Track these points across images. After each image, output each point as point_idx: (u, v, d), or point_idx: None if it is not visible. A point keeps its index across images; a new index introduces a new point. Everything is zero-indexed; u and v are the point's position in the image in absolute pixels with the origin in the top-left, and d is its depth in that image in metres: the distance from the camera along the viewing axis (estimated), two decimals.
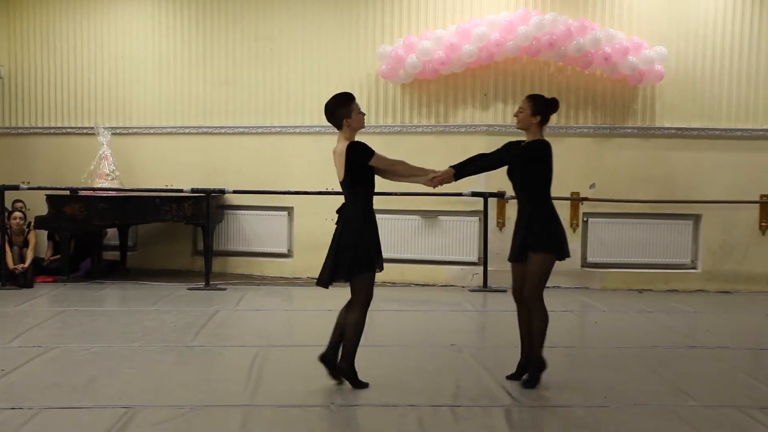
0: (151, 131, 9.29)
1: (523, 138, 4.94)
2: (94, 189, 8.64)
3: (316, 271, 9.00)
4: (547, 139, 4.87)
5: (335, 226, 4.66)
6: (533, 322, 4.77)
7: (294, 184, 8.68)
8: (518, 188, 4.89)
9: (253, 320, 6.81)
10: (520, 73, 8.53)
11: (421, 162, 9.21)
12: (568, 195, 8.53)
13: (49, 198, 8.44)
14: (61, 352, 5.45)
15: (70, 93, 9.47)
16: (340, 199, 4.68)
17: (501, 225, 8.56)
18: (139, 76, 9.29)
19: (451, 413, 4.27)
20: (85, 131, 9.27)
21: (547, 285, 8.88)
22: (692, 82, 8.52)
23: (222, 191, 8.65)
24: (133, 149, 9.22)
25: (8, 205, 8.54)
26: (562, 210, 8.53)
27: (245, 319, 6.82)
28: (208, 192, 8.39)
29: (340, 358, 4.65)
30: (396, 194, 8.01)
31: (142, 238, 9.50)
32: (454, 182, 4.88)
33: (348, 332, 4.60)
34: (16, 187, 8.38)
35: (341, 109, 4.59)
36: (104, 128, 8.96)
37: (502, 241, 8.52)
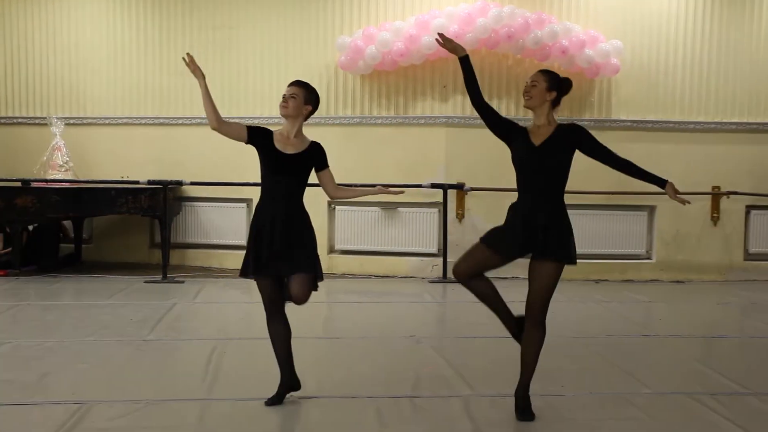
0: (106, 121, 9.11)
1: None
2: (46, 180, 8.44)
3: None
4: None
5: None
6: (535, 344, 4.21)
7: (253, 176, 8.48)
8: (544, 176, 4.05)
9: (212, 313, 6.74)
10: (479, 65, 8.52)
11: (380, 154, 9.27)
12: None
13: None
14: (11, 348, 5.32)
15: (21, 82, 9.22)
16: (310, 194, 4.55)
17: (460, 217, 8.61)
18: (94, 65, 9.09)
19: (410, 404, 4.29)
20: (37, 121, 9.04)
21: (505, 276, 8.98)
22: (647, 76, 8.66)
23: (179, 183, 8.53)
24: (88, 140, 9.02)
25: None
26: None
27: (203, 312, 6.75)
28: (165, 183, 8.26)
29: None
30: (355, 186, 7.98)
31: (97, 230, 9.32)
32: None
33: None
34: None
35: None
36: (57, 118, 8.75)
37: (461, 233, 8.59)
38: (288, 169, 4.21)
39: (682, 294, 8.01)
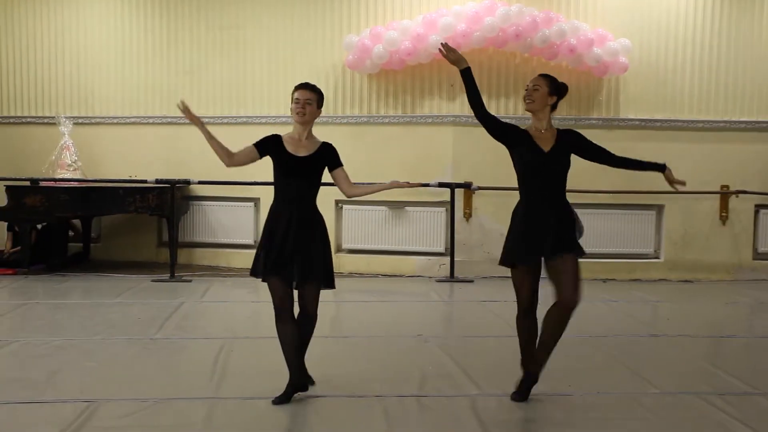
0: (114, 121, 9.14)
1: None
2: (55, 180, 8.48)
3: None
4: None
5: None
6: (561, 328, 4.27)
7: (260, 175, 8.56)
8: (552, 182, 4.23)
9: (219, 312, 6.75)
10: (487, 64, 8.55)
11: (387, 153, 9.26)
12: None
13: (8, 189, 8.26)
14: (20, 347, 5.34)
15: (30, 82, 9.26)
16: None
17: (468, 216, 8.60)
18: (102, 65, 9.12)
19: (416, 403, 4.29)
20: (46, 121, 9.08)
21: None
22: (655, 74, 8.63)
23: (187, 182, 8.55)
24: (96, 139, 9.06)
25: None
26: None
27: (210, 311, 6.76)
28: (172, 183, 8.28)
29: None
30: (363, 185, 7.97)
31: (105, 229, 9.36)
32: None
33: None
34: None
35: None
36: (66, 118, 8.79)
37: (468, 232, 8.58)
38: (300, 171, 4.28)
39: (690, 293, 7.98)
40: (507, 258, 4.33)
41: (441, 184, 8.38)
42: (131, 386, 4.49)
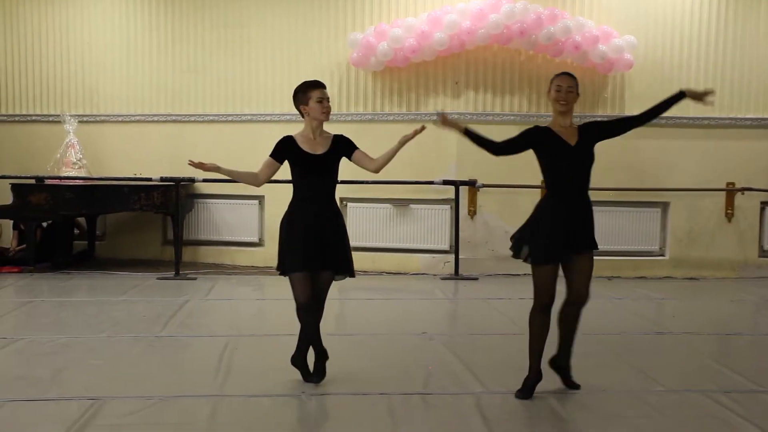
0: (119, 119, 9.16)
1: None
2: (60, 178, 8.50)
3: None
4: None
5: None
6: (577, 324, 4.46)
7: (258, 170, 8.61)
8: (581, 177, 4.30)
9: (224, 310, 6.76)
10: (491, 61, 8.54)
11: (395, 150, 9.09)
12: (538, 183, 8.56)
13: (14, 187, 8.28)
14: (26, 344, 5.36)
15: (35, 80, 9.28)
16: None
17: (472, 213, 8.59)
18: (106, 64, 9.14)
19: (422, 401, 4.29)
20: (51, 119, 9.10)
21: (517, 273, 8.97)
22: (660, 71, 8.60)
23: (192, 180, 8.55)
24: (101, 137, 9.07)
25: None
26: (533, 198, 8.62)
27: (215, 309, 6.77)
28: (177, 181, 8.29)
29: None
30: (367, 182, 7.99)
31: (110, 227, 9.38)
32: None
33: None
34: None
35: (299, 95, 4.44)
36: (70, 116, 8.81)
37: (473, 230, 8.57)
38: (320, 169, 4.40)
39: (695, 291, 7.95)
40: (539, 256, 4.31)
41: (445, 182, 8.37)
42: (136, 384, 4.50)
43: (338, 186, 9.18)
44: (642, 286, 8.10)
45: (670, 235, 8.75)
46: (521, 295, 7.47)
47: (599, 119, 4.49)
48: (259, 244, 9.02)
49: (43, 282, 7.83)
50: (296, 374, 4.68)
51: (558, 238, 4.26)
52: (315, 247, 4.33)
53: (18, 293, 7.31)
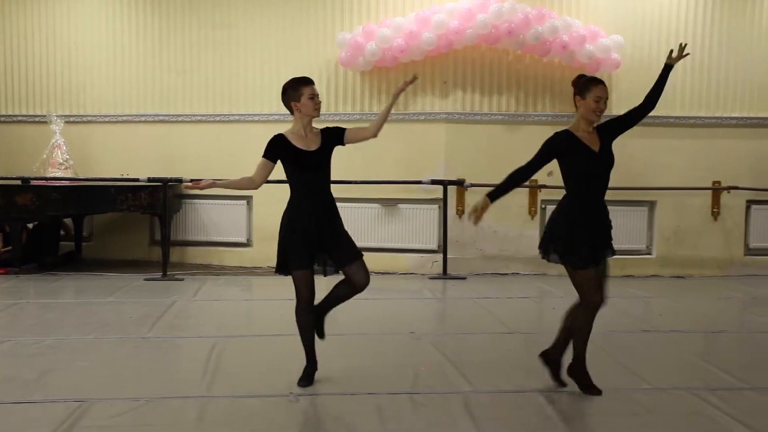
0: (106, 119, 9.11)
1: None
2: (46, 178, 8.44)
3: (275, 260, 8.94)
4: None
5: None
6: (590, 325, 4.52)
7: (252, 173, 8.59)
8: (605, 178, 4.36)
9: (212, 310, 6.74)
10: (480, 61, 8.56)
11: (380, 150, 9.23)
12: (527, 183, 8.57)
13: None
14: (11, 346, 5.32)
15: (21, 80, 9.21)
16: None
17: (460, 213, 8.60)
18: (93, 63, 9.09)
19: (410, 401, 4.29)
20: (37, 119, 9.04)
21: (505, 273, 9.00)
22: (647, 71, 8.59)
23: (179, 180, 8.52)
24: (88, 138, 9.02)
25: None
26: (521, 197, 8.67)
27: (203, 310, 6.75)
28: (165, 181, 8.26)
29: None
30: (356, 182, 7.99)
31: (97, 228, 9.33)
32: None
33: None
34: None
35: (290, 91, 4.42)
36: (57, 116, 8.75)
37: (461, 229, 8.59)
38: (316, 165, 4.42)
39: (682, 289, 8.00)
40: (579, 262, 4.30)
41: (434, 182, 8.39)
42: (123, 385, 4.48)
43: None
44: (629, 284, 8.14)
45: (657, 233, 8.79)
46: (509, 294, 7.52)
47: (609, 118, 4.53)
48: (247, 244, 9.00)
49: (29, 283, 7.78)
50: (284, 374, 4.68)
51: (592, 241, 4.33)
52: (317, 244, 4.37)
53: (3, 295, 7.25)
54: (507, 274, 8.60)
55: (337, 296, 4.61)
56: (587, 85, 4.37)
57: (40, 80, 9.18)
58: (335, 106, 8.63)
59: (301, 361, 4.55)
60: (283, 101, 4.48)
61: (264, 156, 4.42)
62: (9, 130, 9.18)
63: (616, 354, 5.28)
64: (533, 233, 8.66)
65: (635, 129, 8.95)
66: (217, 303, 7.04)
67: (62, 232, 9.12)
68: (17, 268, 8.20)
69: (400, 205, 8.73)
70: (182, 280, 8.02)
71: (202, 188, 4.37)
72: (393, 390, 4.45)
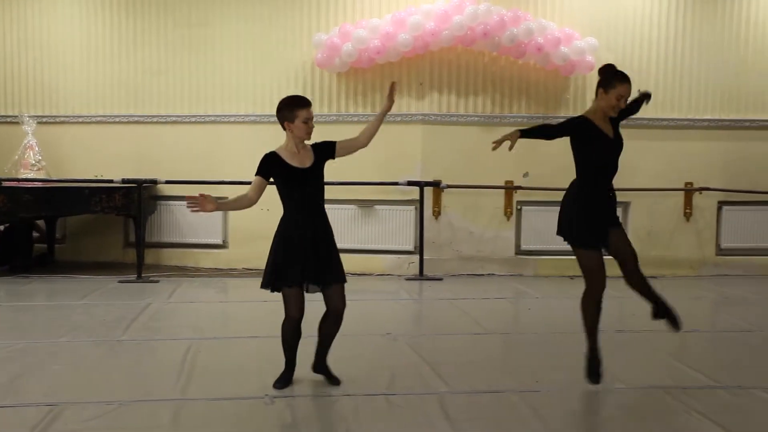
0: (80, 120, 9.00)
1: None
2: (18, 180, 8.33)
3: (251, 262, 8.91)
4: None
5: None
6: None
7: (229, 174, 8.54)
8: (616, 163, 4.56)
9: (187, 313, 6.70)
10: (455, 62, 8.59)
11: (357, 152, 9.17)
12: (503, 183, 8.65)
13: None
14: None
15: None
16: (276, 189, 4.56)
17: (437, 214, 8.63)
18: (66, 63, 8.98)
19: (386, 402, 4.30)
20: (8, 120, 8.91)
21: (481, 273, 9.02)
22: None
23: (154, 182, 8.46)
24: (61, 138, 8.91)
25: None
26: (497, 198, 8.72)
27: (178, 312, 6.70)
28: (139, 182, 8.19)
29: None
30: (332, 183, 7.95)
31: (71, 229, 9.21)
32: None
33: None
34: None
35: (285, 111, 4.41)
36: (29, 117, 8.63)
37: (437, 230, 8.61)
38: (312, 182, 4.41)
39: (656, 289, 8.06)
40: (588, 240, 4.55)
41: (410, 183, 8.40)
42: (97, 389, 4.44)
43: None
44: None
45: (630, 234, 8.75)
46: (485, 295, 7.55)
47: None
48: (222, 246, 8.95)
49: (1, 286, 7.67)
50: (259, 376, 4.67)
51: (601, 222, 4.55)
52: (312, 261, 4.35)
53: None
54: (483, 274, 8.64)
55: (327, 336, 4.61)
56: (612, 80, 4.44)
57: (11, 80, 9.05)
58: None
59: (277, 363, 4.54)
60: (277, 117, 4.46)
61: (258, 174, 4.36)
62: None
63: None
64: (509, 234, 8.73)
65: None
66: (192, 305, 7.00)
67: (35, 234, 9.00)
68: None
69: (377, 207, 8.73)
70: (157, 282, 7.95)
71: (208, 211, 4.20)
72: (369, 391, 4.45)
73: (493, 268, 8.66)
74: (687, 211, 8.86)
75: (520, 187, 8.62)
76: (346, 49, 8.26)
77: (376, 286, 8.01)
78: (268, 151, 4.43)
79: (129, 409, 4.11)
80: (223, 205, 4.42)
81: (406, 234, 8.68)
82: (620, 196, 8.50)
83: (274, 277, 4.36)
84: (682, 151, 8.76)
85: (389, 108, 4.75)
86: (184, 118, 8.88)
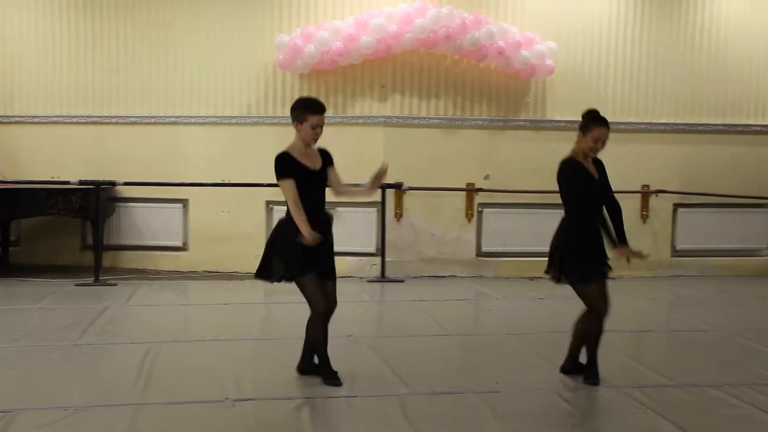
0: (35, 120, 8.81)
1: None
2: None
3: (212, 265, 8.83)
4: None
5: None
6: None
7: (189, 176, 8.47)
8: (600, 205, 4.79)
9: (146, 316, 6.61)
10: (418, 65, 8.63)
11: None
12: (464, 186, 8.72)
13: None
14: None
15: None
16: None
17: (399, 216, 8.66)
18: (22, 62, 8.78)
19: (346, 404, 4.30)
20: None
21: (443, 275, 9.09)
22: (580, 77, 8.86)
23: (112, 183, 8.33)
24: (16, 139, 8.71)
25: None
26: (458, 200, 8.78)
27: (137, 315, 6.62)
28: (97, 184, 8.06)
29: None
30: None
31: (25, 232, 9.00)
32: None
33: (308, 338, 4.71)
34: None
35: (298, 111, 4.53)
36: None
37: (399, 233, 8.64)
38: (321, 181, 4.60)
39: (613, 290, 8.08)
40: (593, 277, 4.74)
41: None
42: (52, 394, 4.36)
43: (263, 189, 9.07)
44: (563, 286, 8.29)
45: None
46: (447, 296, 7.60)
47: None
48: (183, 248, 8.84)
49: None
50: (219, 380, 4.63)
51: (604, 258, 4.79)
52: (319, 256, 4.52)
53: None
54: (444, 276, 8.69)
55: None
56: (589, 124, 4.67)
57: None
58: (273, 109, 8.57)
59: (236, 367, 4.51)
60: (291, 115, 4.60)
61: (285, 177, 4.44)
62: None
63: (549, 354, 5.39)
64: (470, 236, 8.79)
65: (567, 134, 9.15)
66: (151, 308, 6.91)
67: None
68: None
69: (339, 208, 8.70)
70: (115, 285, 7.83)
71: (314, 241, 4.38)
72: (330, 393, 4.45)
73: (454, 270, 8.72)
74: (644, 213, 9.03)
75: (481, 190, 8.69)
76: (309, 51, 8.24)
77: (338, 288, 7.95)
78: (279, 152, 4.53)
79: (85, 415, 4.04)
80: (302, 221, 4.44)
81: (368, 236, 8.68)
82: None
83: (299, 264, 4.47)
84: (639, 154, 8.91)
85: (371, 191, 4.84)
86: (144, 119, 8.77)
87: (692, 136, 9.02)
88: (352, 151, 8.56)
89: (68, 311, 6.56)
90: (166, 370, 4.88)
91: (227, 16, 8.65)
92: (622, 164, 8.84)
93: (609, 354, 5.47)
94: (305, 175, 4.49)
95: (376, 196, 8.48)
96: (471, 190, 8.69)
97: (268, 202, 8.52)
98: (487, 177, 8.71)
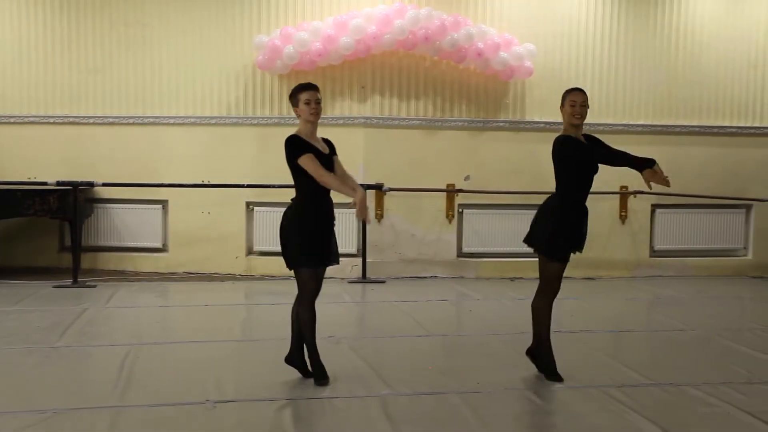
0: (11, 120, 8.71)
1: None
2: None
3: (192, 266, 8.78)
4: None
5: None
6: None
7: (168, 177, 8.41)
8: (591, 184, 4.88)
9: (125, 318, 6.55)
10: (397, 66, 8.65)
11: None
12: (444, 186, 8.74)
13: None
14: None
15: None
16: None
17: (379, 217, 8.66)
18: None
19: (328, 405, 4.30)
20: None
21: (424, 276, 9.10)
22: (558, 79, 8.89)
23: (91, 184, 8.25)
24: None
25: None
26: (439, 201, 8.80)
27: (116, 317, 6.56)
28: (75, 185, 7.98)
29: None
30: (274, 186, 7.92)
31: (2, 233, 8.87)
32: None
33: (301, 328, 4.70)
34: None
35: (292, 98, 4.63)
36: None
37: (380, 233, 8.64)
38: (328, 166, 4.61)
39: (592, 290, 8.29)
40: (563, 252, 4.77)
41: None
42: (30, 397, 4.31)
43: (243, 190, 9.02)
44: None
45: None
46: (427, 297, 7.61)
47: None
48: (162, 249, 8.78)
49: None
50: (200, 381, 4.60)
51: (579, 237, 4.84)
52: (328, 243, 4.67)
53: None
54: (425, 277, 8.71)
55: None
56: (564, 95, 4.80)
57: None
58: (252, 110, 8.53)
59: (217, 369, 4.48)
60: (290, 102, 4.73)
61: (303, 152, 4.47)
62: None
63: None
64: (451, 237, 8.82)
65: (546, 135, 9.23)
66: (130, 310, 6.85)
67: None
68: None
69: None
70: (94, 287, 7.76)
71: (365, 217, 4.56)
72: (311, 395, 4.44)
73: (435, 271, 8.75)
74: (622, 213, 9.11)
75: (461, 191, 8.72)
76: (288, 52, 8.22)
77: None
78: (289, 135, 4.58)
79: (64, 417, 4.00)
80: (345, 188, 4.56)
81: (349, 237, 8.67)
82: None
83: (311, 254, 4.58)
84: None
85: (361, 194, 4.66)
86: (122, 119, 8.70)
87: (669, 138, 9.11)
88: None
89: (46, 313, 6.49)
90: (146, 372, 4.84)
91: (206, 15, 8.60)
92: (601, 165, 8.93)
93: (589, 354, 5.53)
94: (320, 157, 4.55)
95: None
96: (451, 191, 8.72)
97: (248, 203, 8.49)
98: (467, 178, 8.74)
